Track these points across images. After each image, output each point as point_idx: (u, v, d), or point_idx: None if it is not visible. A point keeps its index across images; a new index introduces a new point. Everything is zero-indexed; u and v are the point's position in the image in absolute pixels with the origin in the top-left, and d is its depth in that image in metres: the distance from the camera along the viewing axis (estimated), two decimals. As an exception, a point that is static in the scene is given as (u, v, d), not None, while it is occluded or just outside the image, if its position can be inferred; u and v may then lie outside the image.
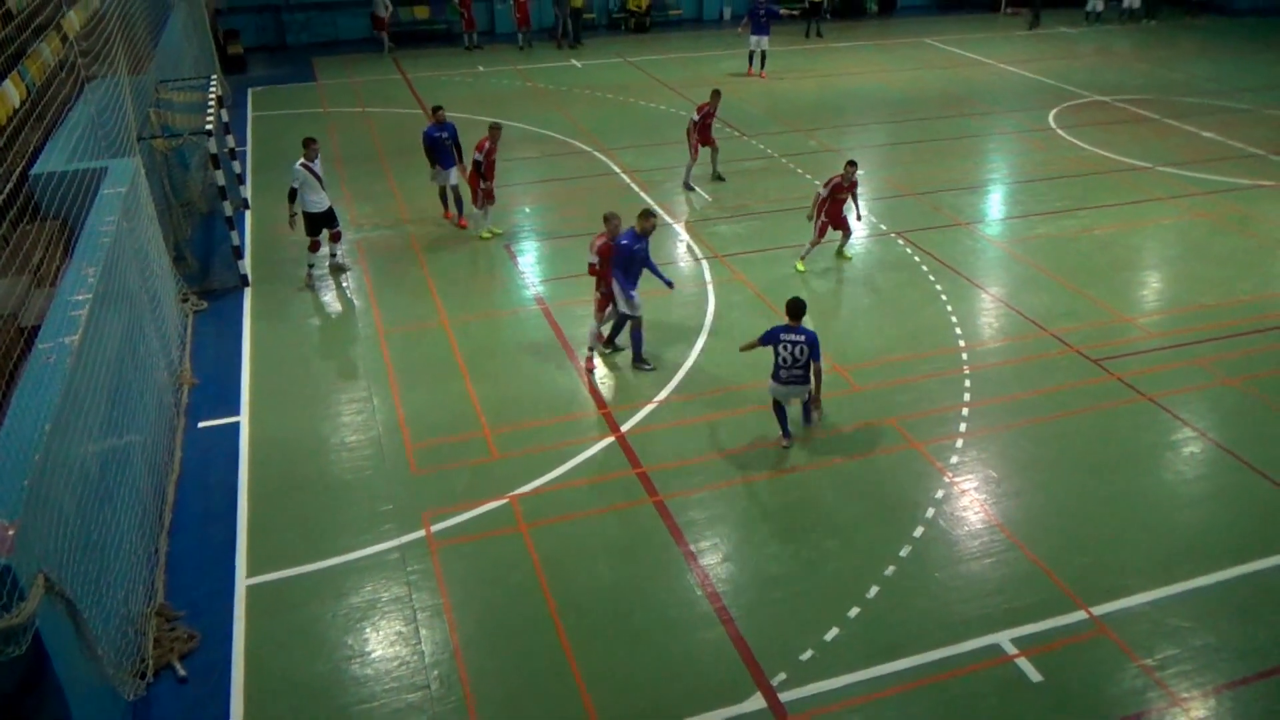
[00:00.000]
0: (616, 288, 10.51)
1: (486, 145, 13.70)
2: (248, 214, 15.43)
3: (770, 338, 9.04)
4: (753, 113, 20.96)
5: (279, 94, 22.99)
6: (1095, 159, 17.78)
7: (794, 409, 9.69)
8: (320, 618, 7.48)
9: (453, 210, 15.03)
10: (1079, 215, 15.17)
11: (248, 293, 12.79)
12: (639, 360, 10.90)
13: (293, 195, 12.79)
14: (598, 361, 11.03)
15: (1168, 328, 11.70)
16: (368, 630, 7.36)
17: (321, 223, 13.03)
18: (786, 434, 9.42)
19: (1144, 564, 7.95)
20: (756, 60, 24.18)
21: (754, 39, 23.80)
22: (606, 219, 10.61)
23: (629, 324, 10.81)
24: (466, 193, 14.62)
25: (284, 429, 9.85)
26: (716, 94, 16.45)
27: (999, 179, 17.17)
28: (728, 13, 31.81)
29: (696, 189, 16.45)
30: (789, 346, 8.90)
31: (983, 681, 6.86)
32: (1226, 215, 15.10)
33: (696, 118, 16.12)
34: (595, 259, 10.41)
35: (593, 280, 10.63)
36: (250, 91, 23.13)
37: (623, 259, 10.44)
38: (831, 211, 13.09)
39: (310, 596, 7.69)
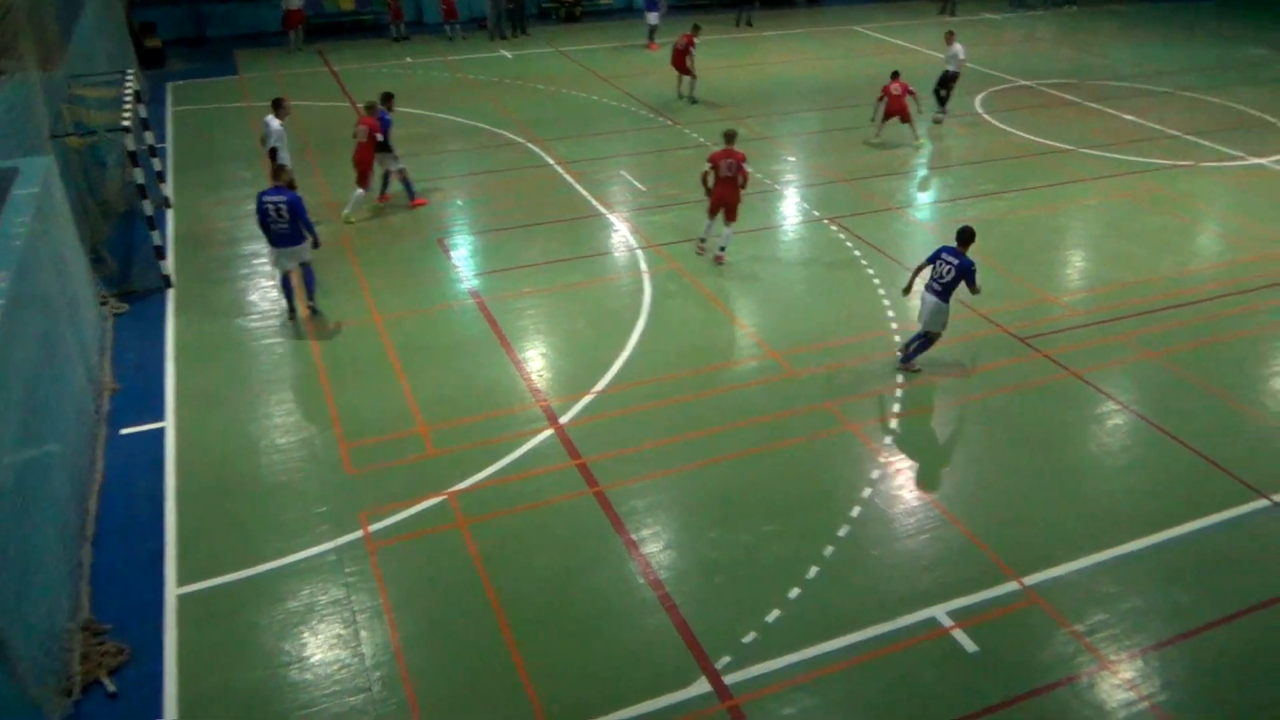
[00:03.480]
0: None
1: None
2: (169, 213, 14.97)
3: (933, 255, 10.22)
4: (683, 101, 20.97)
5: (200, 88, 22.35)
6: (1021, 142, 18.19)
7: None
8: (256, 624, 7.31)
9: (389, 193, 15.27)
10: (1005, 198, 15.51)
11: (170, 294, 12.41)
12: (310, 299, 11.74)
13: (274, 155, 13.11)
14: (537, 354, 11.00)
15: (1091, 305, 12.03)
16: (306, 635, 7.22)
17: None
18: (903, 358, 10.63)
19: (1072, 534, 8.17)
20: (651, 34, 26.28)
21: (650, 16, 26.03)
22: (728, 136, 12.80)
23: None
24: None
25: (212, 433, 9.60)
26: (696, 28, 20.83)
27: (928, 164, 17.46)
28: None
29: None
30: (943, 265, 10.06)
31: (921, 655, 6.99)
32: (1146, 195, 15.57)
33: (682, 44, 20.32)
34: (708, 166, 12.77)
35: (531, 273, 10.56)
36: (169, 86, 22.45)
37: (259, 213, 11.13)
38: (892, 109, 17.58)
39: (244, 603, 7.51)
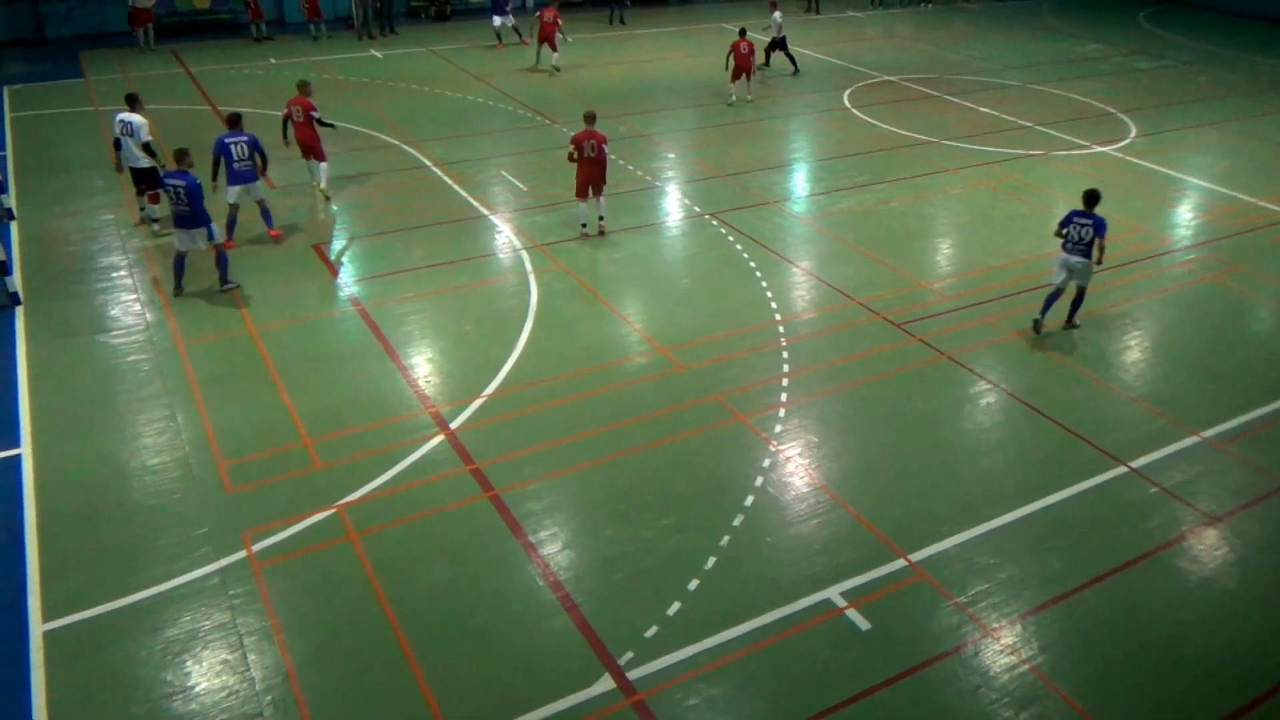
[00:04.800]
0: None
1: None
2: (13, 225, 13.96)
3: (1066, 220, 11.18)
4: (561, 100, 20.92)
5: (41, 92, 20.93)
6: (888, 135, 18.90)
7: (1055, 316, 11.57)
8: (134, 657, 6.92)
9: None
10: (876, 189, 16.09)
11: (19, 312, 11.59)
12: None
13: (149, 150, 13.23)
14: (425, 359, 10.78)
15: (960, 290, 12.61)
16: (189, 663, 6.87)
17: (144, 179, 13.54)
18: (1040, 316, 11.39)
19: (952, 509, 8.55)
20: (506, 34, 25.88)
21: (496, 19, 25.54)
22: (588, 117, 13.52)
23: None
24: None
25: (75, 458, 9.01)
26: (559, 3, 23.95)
27: (802, 158, 17.96)
28: (529, 1, 31.58)
29: (510, 178, 16.37)
30: (1078, 227, 11.02)
31: (817, 636, 7.19)
32: (1004, 183, 16.43)
33: (550, 18, 22.31)
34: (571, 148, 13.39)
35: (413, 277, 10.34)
36: (6, 90, 20.95)
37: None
38: (739, 64, 20.19)
39: (120, 635, 7.09)
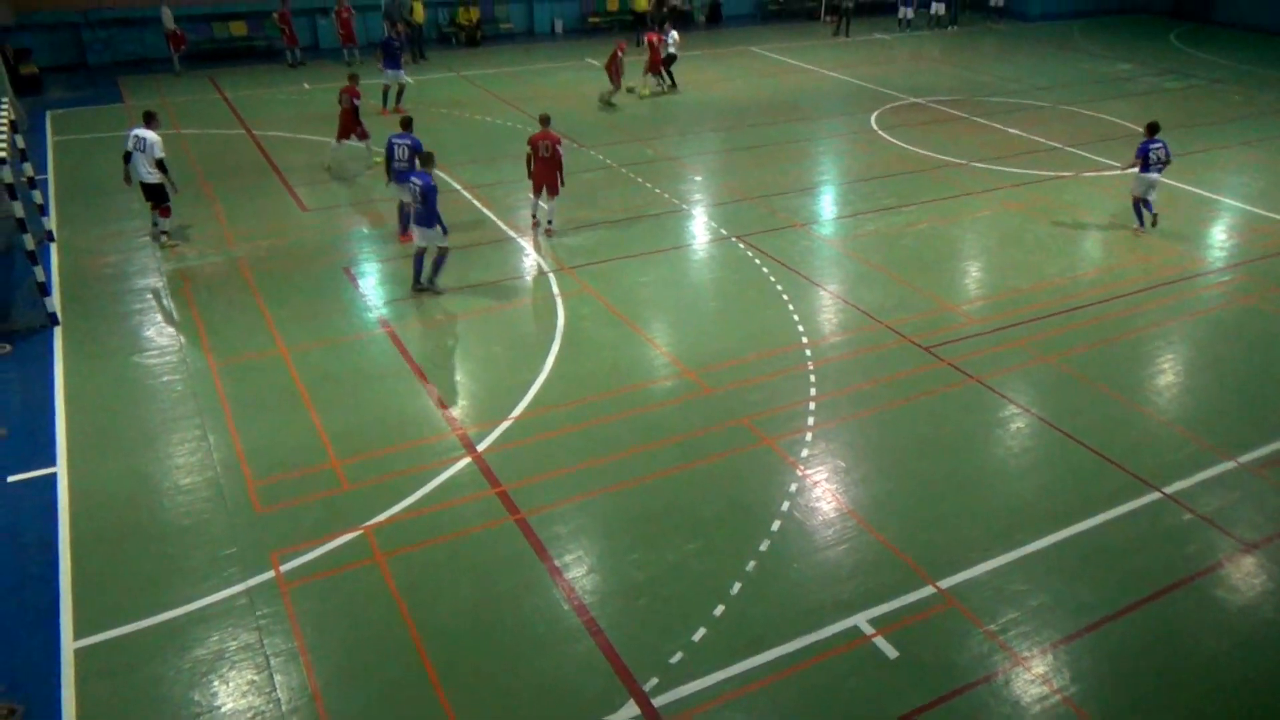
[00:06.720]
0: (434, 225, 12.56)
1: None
2: (53, 247, 14.27)
3: (1142, 150, 14.58)
4: (589, 123, 21.10)
5: (82, 117, 21.42)
6: (915, 158, 18.85)
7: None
8: (162, 675, 6.97)
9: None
10: (904, 212, 16.03)
11: (57, 332, 11.82)
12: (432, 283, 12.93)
13: (162, 166, 13.74)
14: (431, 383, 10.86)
15: (989, 313, 12.51)
16: (216, 683, 6.91)
17: (153, 195, 14.05)
18: (1140, 223, 15.04)
19: (982, 535, 8.45)
20: (391, 96, 21.83)
21: (389, 73, 21.58)
22: (544, 120, 14.49)
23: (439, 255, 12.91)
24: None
25: (109, 476, 9.15)
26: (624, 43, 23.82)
27: (829, 180, 17.94)
28: (559, 25, 31.93)
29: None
30: (1155, 151, 14.49)
31: (845, 663, 7.11)
32: (1034, 205, 16.31)
33: (620, 54, 22.78)
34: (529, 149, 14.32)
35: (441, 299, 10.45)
36: (49, 115, 21.46)
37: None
38: (652, 56, 23.54)
39: (149, 653, 7.16)
